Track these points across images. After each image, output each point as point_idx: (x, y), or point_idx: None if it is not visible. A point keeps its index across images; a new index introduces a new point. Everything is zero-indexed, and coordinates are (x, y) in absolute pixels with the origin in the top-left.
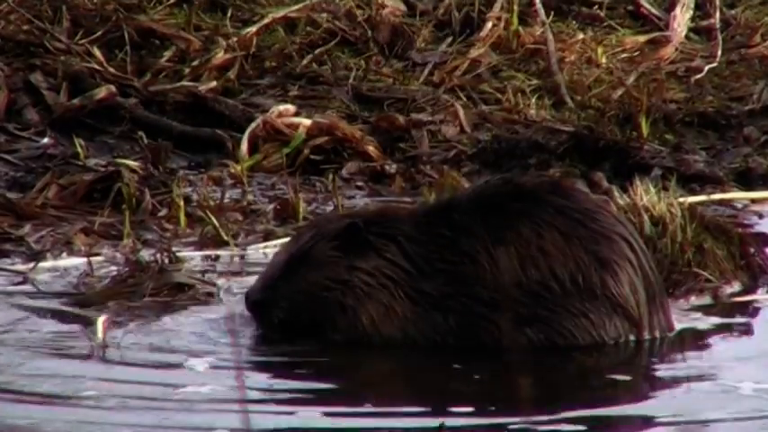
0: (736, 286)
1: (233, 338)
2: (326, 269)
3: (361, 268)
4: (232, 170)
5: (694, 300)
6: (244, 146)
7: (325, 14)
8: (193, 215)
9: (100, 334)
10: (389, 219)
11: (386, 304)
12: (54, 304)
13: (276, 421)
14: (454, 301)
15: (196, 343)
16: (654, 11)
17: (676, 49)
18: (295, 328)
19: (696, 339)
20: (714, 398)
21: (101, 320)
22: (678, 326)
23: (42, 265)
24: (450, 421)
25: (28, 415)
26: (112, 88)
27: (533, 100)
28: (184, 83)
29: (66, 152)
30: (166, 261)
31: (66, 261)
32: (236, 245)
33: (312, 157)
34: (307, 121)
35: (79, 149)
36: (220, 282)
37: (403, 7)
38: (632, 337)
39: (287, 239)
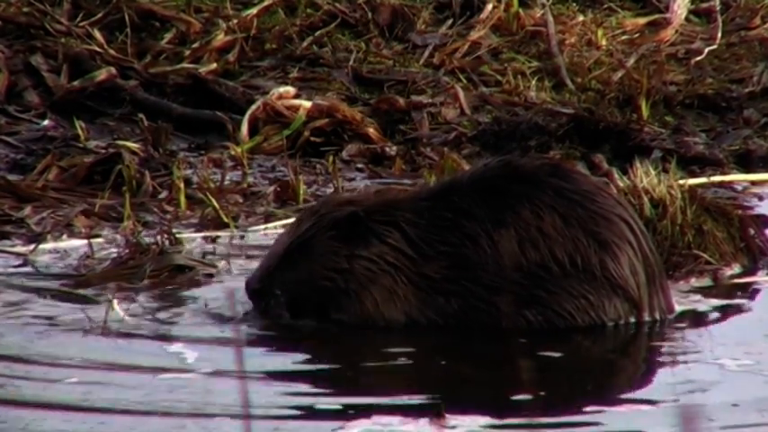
0: (736, 268)
1: (233, 315)
2: (326, 259)
3: (362, 256)
4: (232, 152)
5: (694, 281)
6: (244, 128)
7: None
8: (194, 197)
9: (118, 310)
10: (391, 204)
11: (389, 289)
12: (54, 286)
13: (274, 401)
14: (456, 285)
15: (195, 323)
16: None
17: (676, 32)
18: (297, 311)
19: (696, 321)
20: (713, 379)
21: (115, 300)
22: (678, 308)
23: (43, 246)
24: (450, 404)
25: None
26: (113, 70)
27: (533, 82)
28: (185, 65)
29: (66, 134)
30: (167, 243)
31: (67, 243)
32: (237, 227)
33: (312, 139)
34: (307, 103)
35: (80, 131)
36: (221, 264)
37: None
38: (632, 319)
39: (288, 222)
